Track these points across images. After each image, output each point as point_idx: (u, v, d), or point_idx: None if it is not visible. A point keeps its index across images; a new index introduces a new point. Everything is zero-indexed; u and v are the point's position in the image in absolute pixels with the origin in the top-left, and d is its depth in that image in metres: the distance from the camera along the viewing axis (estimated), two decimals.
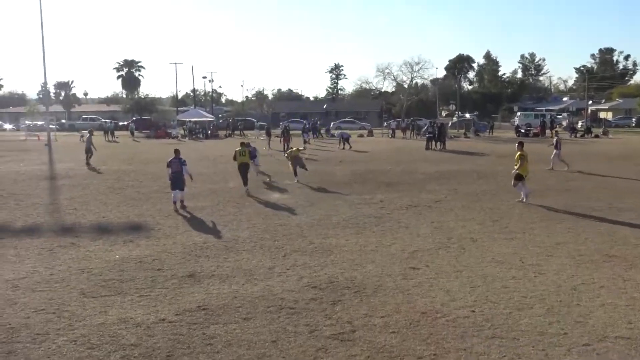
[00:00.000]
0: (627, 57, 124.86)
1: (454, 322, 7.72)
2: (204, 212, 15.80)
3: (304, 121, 63.35)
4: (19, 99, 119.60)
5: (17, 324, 7.83)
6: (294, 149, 24.33)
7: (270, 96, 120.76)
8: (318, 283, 9.44)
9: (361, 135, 58.16)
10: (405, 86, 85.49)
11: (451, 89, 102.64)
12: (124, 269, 10.42)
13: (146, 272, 10.18)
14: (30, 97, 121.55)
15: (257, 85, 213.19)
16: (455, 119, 78.35)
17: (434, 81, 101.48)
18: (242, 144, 20.99)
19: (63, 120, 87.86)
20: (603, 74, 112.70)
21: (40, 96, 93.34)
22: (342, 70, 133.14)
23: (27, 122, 68.37)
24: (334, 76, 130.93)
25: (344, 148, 39.66)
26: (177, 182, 16.59)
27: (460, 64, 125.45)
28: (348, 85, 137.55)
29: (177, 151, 17.23)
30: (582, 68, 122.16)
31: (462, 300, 8.56)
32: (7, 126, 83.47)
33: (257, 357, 6.77)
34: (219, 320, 7.89)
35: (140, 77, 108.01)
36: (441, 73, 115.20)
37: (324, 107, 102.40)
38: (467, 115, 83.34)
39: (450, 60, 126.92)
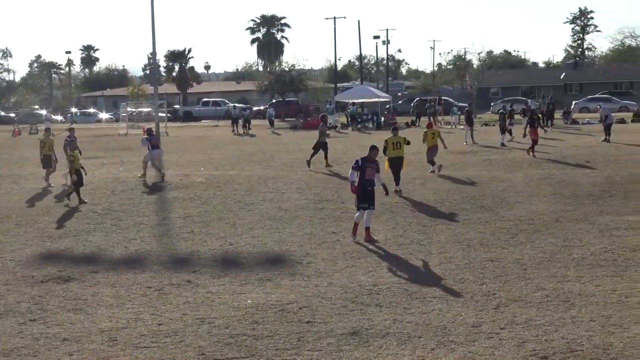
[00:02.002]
0: None
1: None
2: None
3: (528, 101, 61.98)
4: (119, 77, 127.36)
5: None
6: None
7: (476, 63, 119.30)
8: (551, 352, 9.19)
9: (621, 121, 55.78)
10: None
11: None
12: (259, 320, 10.85)
13: (290, 326, 10.52)
14: (133, 73, 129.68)
15: (455, 47, 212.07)
16: None
17: None
18: (395, 129, 21.57)
19: (177, 106, 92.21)
20: None
21: (147, 72, 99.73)
22: (592, 18, 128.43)
23: (128, 109, 71.94)
24: (577, 29, 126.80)
25: (606, 139, 38.53)
26: (368, 196, 16.02)
27: None
28: (602, 43, 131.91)
29: (373, 148, 16.58)
30: None
31: None
32: (103, 115, 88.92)
33: None
34: None
35: (283, 41, 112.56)
36: None
37: (561, 77, 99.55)
38: None
39: None
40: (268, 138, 52.79)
